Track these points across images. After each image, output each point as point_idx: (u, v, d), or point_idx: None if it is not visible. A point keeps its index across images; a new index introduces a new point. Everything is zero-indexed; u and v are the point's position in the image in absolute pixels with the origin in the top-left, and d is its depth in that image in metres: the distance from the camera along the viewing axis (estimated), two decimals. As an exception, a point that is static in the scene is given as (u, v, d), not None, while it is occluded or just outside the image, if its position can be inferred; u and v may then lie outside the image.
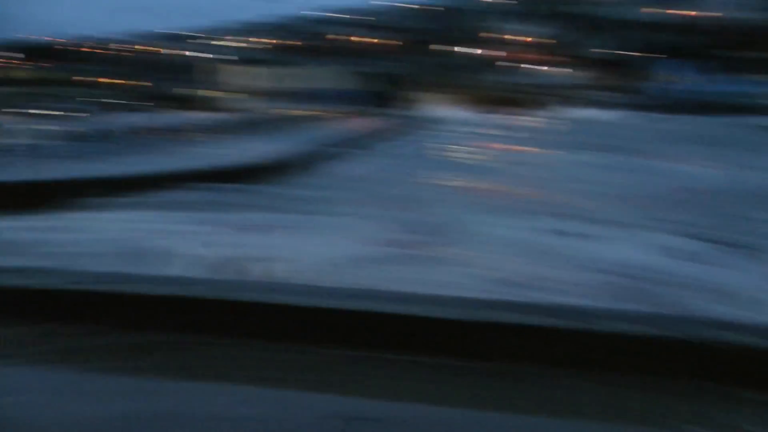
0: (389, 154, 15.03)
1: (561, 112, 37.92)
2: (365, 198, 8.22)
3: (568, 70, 51.78)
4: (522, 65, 55.17)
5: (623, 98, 45.30)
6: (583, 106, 41.31)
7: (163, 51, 72.82)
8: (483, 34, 61.27)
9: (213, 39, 66.06)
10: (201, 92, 44.60)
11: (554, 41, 59.48)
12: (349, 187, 9.34)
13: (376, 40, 63.93)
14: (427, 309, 1.70)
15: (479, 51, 54.68)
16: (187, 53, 60.65)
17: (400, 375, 1.54)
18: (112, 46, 66.94)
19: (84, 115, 22.54)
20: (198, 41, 71.80)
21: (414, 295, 2.05)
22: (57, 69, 48.55)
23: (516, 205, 8.08)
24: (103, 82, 45.62)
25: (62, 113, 23.87)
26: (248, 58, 58.54)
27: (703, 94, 45.04)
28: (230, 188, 8.41)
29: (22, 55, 50.87)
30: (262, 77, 45.39)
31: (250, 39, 68.79)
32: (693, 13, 58.67)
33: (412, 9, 66.80)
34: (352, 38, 65.19)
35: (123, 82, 48.22)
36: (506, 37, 61.19)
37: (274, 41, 66.57)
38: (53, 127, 16.29)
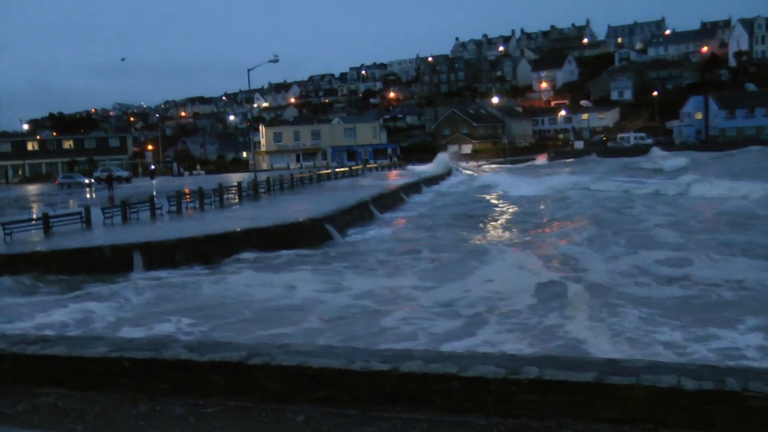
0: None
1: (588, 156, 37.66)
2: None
3: (594, 114, 51.68)
4: (547, 111, 55.21)
5: (656, 139, 44.91)
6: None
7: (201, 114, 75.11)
8: (502, 83, 61.63)
9: (246, 102, 67.55)
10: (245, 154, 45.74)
11: (574, 85, 59.62)
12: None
13: (396, 95, 64.46)
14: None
15: (501, 100, 54.81)
16: (232, 117, 62.20)
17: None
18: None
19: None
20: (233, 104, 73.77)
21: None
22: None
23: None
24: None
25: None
26: (277, 119, 59.35)
27: (733, 129, 44.55)
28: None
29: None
30: (290, 136, 45.77)
31: (277, 99, 70.12)
32: (708, 49, 58.53)
33: (427, 62, 67.55)
34: (375, 94, 65.86)
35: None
36: (526, 84, 61.57)
37: (296, 100, 67.43)
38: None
